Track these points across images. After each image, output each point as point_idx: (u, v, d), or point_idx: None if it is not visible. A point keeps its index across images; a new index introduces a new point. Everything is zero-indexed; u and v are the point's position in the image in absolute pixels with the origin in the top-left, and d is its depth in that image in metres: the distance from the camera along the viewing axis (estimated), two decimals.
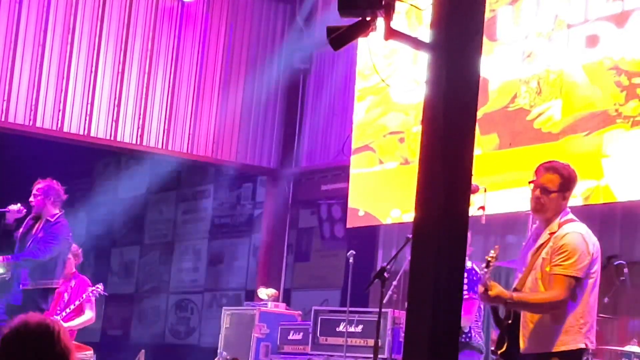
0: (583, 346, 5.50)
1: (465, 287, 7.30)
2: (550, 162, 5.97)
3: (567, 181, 5.77)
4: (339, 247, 12.85)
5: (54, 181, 9.30)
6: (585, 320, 5.53)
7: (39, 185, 9.21)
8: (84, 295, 9.43)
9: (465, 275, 7.36)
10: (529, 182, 5.88)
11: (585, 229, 5.68)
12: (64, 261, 9.14)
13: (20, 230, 9.13)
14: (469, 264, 7.51)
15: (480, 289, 5.71)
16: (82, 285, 9.57)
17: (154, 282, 17.66)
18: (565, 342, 5.49)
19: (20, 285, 8.92)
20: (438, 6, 4.54)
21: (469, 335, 7.55)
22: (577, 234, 5.59)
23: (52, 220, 9.05)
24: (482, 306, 7.66)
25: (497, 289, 5.59)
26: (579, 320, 5.52)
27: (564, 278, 5.48)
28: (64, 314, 9.35)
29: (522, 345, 5.64)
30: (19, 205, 9.09)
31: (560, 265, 5.50)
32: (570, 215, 5.75)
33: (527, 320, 5.65)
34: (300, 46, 14.25)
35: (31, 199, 9.13)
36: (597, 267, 5.63)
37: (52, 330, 3.37)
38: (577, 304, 5.53)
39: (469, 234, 4.66)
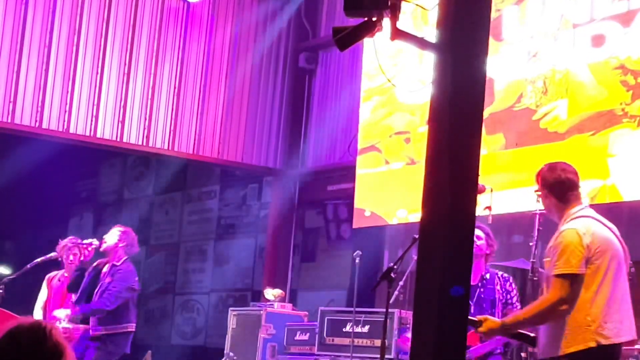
0: (593, 345, 5.33)
1: (517, 297, 7.19)
2: (544, 165, 5.96)
3: (548, 182, 5.74)
4: (345, 247, 12.85)
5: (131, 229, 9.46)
6: (593, 317, 5.37)
7: (119, 228, 9.35)
8: None
9: (514, 285, 7.27)
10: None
11: (583, 224, 5.54)
12: (134, 304, 9.25)
13: (89, 271, 9.24)
14: (504, 273, 7.40)
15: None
16: None
17: (160, 283, 17.69)
18: (570, 344, 5.36)
19: (91, 331, 8.99)
20: (444, 6, 4.54)
21: (509, 347, 7.38)
22: (569, 230, 5.49)
23: (118, 264, 9.09)
24: None
25: (486, 324, 5.55)
26: (586, 318, 5.37)
27: (557, 278, 5.40)
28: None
29: (538, 348, 5.59)
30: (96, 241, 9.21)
31: (554, 265, 5.44)
32: (578, 214, 5.63)
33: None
34: (306, 46, 14.26)
35: (105, 237, 9.30)
36: (601, 260, 5.47)
37: (44, 328, 3.49)
38: (579, 302, 5.39)
39: None
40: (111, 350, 9.00)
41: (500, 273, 7.29)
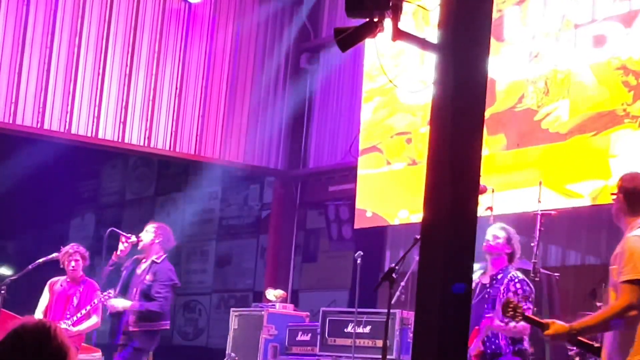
0: None
1: (517, 297, 6.89)
2: (627, 173, 5.93)
3: (625, 189, 5.69)
4: (347, 248, 12.85)
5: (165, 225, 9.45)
6: None
7: (153, 224, 9.30)
8: (95, 301, 9.42)
9: (519, 285, 7.04)
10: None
11: None
12: (169, 303, 9.24)
13: (126, 265, 9.17)
14: (518, 274, 7.18)
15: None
16: (91, 290, 9.57)
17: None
18: (636, 353, 5.29)
19: (130, 327, 8.94)
20: (445, 7, 4.54)
21: (522, 339, 7.13)
22: (635, 237, 5.44)
23: (159, 262, 9.09)
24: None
25: (553, 327, 5.49)
26: None
27: (625, 284, 5.35)
28: (74, 318, 9.36)
29: (602, 358, 5.53)
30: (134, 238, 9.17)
31: (622, 272, 5.39)
32: None
33: (607, 333, 5.50)
34: (307, 47, 14.26)
35: (141, 235, 9.20)
36: None
37: (48, 328, 3.51)
38: None
39: None
40: (141, 348, 8.98)
41: (512, 274, 7.15)
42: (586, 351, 5.74)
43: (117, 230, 9.28)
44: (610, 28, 9.62)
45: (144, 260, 9.16)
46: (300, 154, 14.18)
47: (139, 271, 9.10)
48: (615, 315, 5.37)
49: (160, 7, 13.31)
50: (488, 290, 7.10)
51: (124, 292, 9.06)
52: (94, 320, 9.49)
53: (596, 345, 5.65)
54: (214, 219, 16.91)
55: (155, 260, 9.09)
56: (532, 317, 6.06)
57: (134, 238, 9.11)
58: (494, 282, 7.12)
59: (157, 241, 9.15)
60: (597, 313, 5.53)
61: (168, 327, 9.24)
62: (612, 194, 5.84)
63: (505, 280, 7.10)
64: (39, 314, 9.53)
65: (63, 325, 9.17)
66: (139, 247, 9.17)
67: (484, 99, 4.54)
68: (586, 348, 5.74)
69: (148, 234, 9.18)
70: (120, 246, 9.09)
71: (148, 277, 8.99)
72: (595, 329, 5.54)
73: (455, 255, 4.33)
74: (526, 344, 7.16)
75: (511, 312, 5.94)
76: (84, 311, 9.39)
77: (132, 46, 13.04)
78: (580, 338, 5.59)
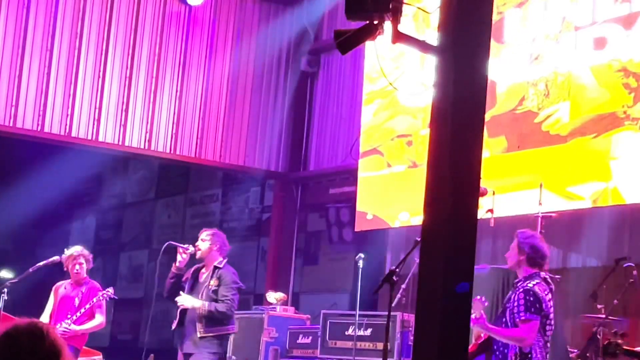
0: None
1: (522, 307, 6.59)
2: None
3: None
4: (348, 250, 12.85)
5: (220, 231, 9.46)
6: None
7: (207, 232, 9.27)
8: (94, 299, 9.44)
9: (523, 295, 6.61)
10: None
11: None
12: (236, 306, 9.22)
13: (187, 275, 9.14)
14: (531, 283, 6.67)
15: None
16: (93, 291, 9.58)
17: (163, 287, 17.65)
18: None
19: (198, 333, 8.93)
20: (445, 9, 4.54)
21: (530, 356, 6.69)
22: None
23: (221, 267, 9.09)
24: (548, 326, 6.74)
25: None
26: None
27: None
28: (74, 317, 9.36)
29: None
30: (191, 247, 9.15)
31: None
32: None
33: None
34: (307, 50, 14.26)
35: (197, 244, 9.14)
36: None
37: (40, 328, 3.53)
38: None
39: None
40: (216, 352, 8.99)
41: (525, 282, 6.74)
42: None
43: (174, 243, 9.26)
44: (610, 30, 9.62)
45: (203, 270, 9.16)
46: (300, 157, 14.17)
47: (201, 279, 9.10)
48: None
49: (161, 9, 13.31)
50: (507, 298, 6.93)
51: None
52: (99, 320, 9.50)
53: None
54: (214, 221, 16.88)
55: (218, 265, 9.09)
56: (632, 349, 5.78)
57: (191, 248, 9.09)
58: (513, 290, 6.85)
59: (214, 248, 9.13)
60: None
61: (235, 331, 9.26)
62: None
63: (517, 290, 6.81)
64: (45, 319, 9.51)
65: (64, 324, 9.18)
66: (197, 257, 9.16)
67: (484, 101, 4.54)
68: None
69: (204, 242, 9.15)
70: (179, 257, 9.09)
71: (213, 282, 8.99)
72: None
73: (455, 258, 4.32)
74: (538, 357, 6.74)
75: (612, 351, 5.72)
76: (83, 310, 9.38)
77: (132, 49, 13.04)
78: None
